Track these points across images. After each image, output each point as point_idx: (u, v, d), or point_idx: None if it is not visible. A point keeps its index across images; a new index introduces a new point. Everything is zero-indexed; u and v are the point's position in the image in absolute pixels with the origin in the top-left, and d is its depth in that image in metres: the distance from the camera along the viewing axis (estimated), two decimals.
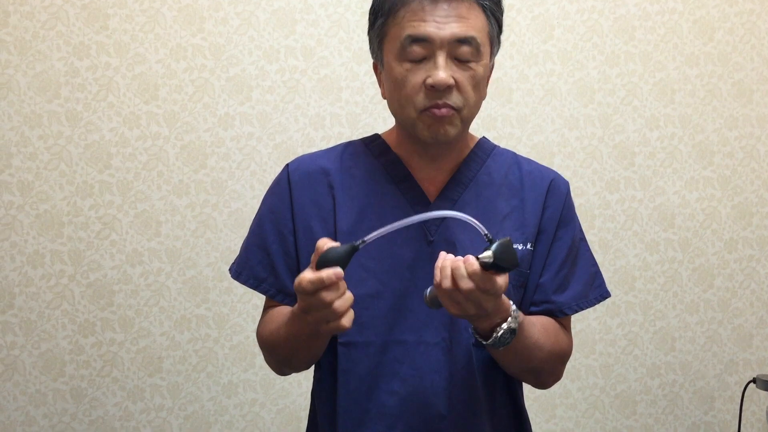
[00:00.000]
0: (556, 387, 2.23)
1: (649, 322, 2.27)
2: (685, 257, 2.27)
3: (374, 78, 2.10)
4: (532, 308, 1.24)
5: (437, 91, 1.10)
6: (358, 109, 2.10)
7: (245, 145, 2.06)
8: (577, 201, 2.21)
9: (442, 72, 1.09)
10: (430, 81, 1.10)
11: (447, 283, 1.00)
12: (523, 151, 2.16)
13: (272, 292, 1.22)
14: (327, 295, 0.97)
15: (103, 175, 2.00)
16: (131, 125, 2.01)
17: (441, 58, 1.10)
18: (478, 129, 2.10)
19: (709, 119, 2.26)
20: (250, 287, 1.23)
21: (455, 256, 1.15)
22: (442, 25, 1.09)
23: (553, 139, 2.20)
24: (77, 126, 1.99)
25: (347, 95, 2.10)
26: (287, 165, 1.25)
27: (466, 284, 0.99)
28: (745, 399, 2.11)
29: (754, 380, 2.01)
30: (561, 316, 1.25)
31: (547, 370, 1.22)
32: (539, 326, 1.19)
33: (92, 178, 2.00)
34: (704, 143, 2.27)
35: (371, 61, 2.08)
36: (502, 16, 1.17)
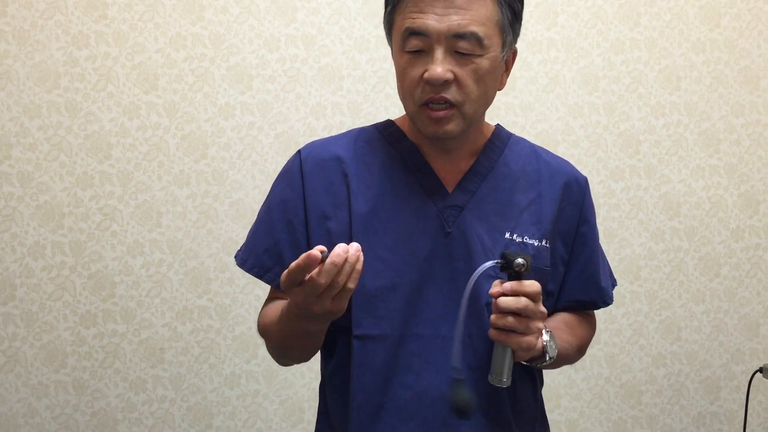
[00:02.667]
0: (560, 377, 2.22)
1: (654, 311, 2.25)
2: (691, 246, 2.25)
3: (376, 66, 2.09)
4: (558, 306, 1.24)
5: (433, 85, 1.07)
6: (360, 98, 2.08)
7: (246, 135, 2.05)
8: None
9: (439, 67, 1.06)
10: (426, 75, 1.07)
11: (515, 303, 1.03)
12: (527, 139, 2.14)
13: (277, 282, 1.18)
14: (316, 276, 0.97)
15: (104, 166, 1.99)
16: (131, 115, 1.99)
17: (438, 52, 1.06)
18: None
19: (715, 106, 2.24)
20: (255, 275, 1.21)
21: (471, 250, 1.14)
22: (441, 17, 1.05)
23: (558, 127, 2.17)
24: (77, 116, 1.97)
25: (349, 84, 2.08)
26: (299, 152, 1.21)
27: (519, 301, 1.02)
28: (751, 389, 2.09)
29: (760, 369, 1.99)
30: (587, 310, 1.26)
31: (575, 360, 1.26)
32: (563, 325, 1.21)
33: (92, 169, 1.99)
34: (710, 131, 2.24)
35: (373, 49, 2.08)
36: (519, 3, 1.12)
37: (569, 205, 1.22)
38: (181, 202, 2.03)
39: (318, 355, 1.25)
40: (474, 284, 1.13)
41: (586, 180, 1.26)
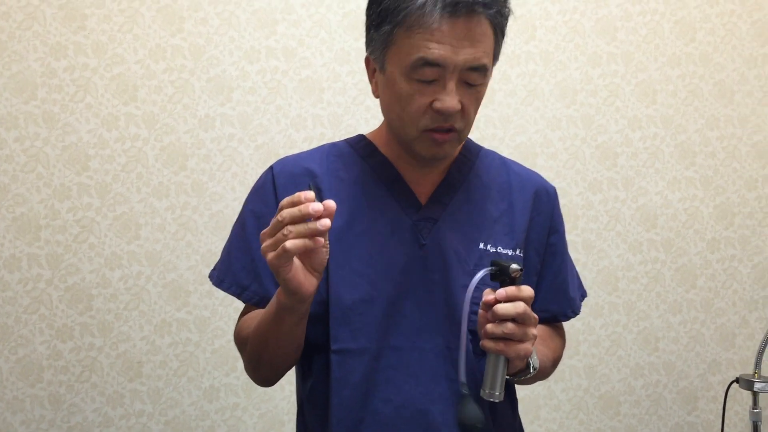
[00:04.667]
0: (540, 388, 2.22)
1: (632, 322, 2.27)
2: (668, 257, 2.28)
3: (356, 79, 2.10)
4: None
5: (444, 115, 1.07)
6: (341, 110, 2.09)
7: (226, 147, 2.04)
8: (560, 202, 2.20)
9: (452, 99, 1.06)
10: (438, 105, 1.06)
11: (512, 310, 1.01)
12: (505, 152, 2.15)
13: (256, 300, 1.18)
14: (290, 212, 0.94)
15: (81, 178, 1.97)
16: (110, 127, 1.98)
17: (451, 83, 1.06)
18: None
19: (690, 119, 2.27)
20: (233, 294, 1.19)
21: (446, 262, 1.14)
22: (458, 49, 1.04)
23: (536, 139, 2.19)
24: (54, 128, 1.96)
25: (329, 96, 2.08)
26: (271, 167, 1.21)
27: (517, 306, 1.01)
28: (728, 399, 2.11)
29: (737, 380, 2.01)
30: (557, 322, 1.27)
31: (550, 373, 1.27)
32: (539, 339, 1.21)
33: (70, 181, 1.97)
34: (686, 143, 2.27)
35: (353, 61, 2.09)
36: (506, 24, 1.13)
37: (539, 215, 1.24)
38: (160, 213, 2.01)
39: (294, 375, 1.24)
40: (452, 298, 1.14)
41: (554, 190, 1.28)
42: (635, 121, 2.24)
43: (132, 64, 1.98)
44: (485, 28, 1.07)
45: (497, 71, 2.15)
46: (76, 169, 1.97)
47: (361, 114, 2.09)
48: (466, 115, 1.10)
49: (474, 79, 1.08)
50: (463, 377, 1.04)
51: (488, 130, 2.16)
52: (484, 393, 1.04)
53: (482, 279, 1.04)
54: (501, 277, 1.02)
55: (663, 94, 2.25)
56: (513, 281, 1.02)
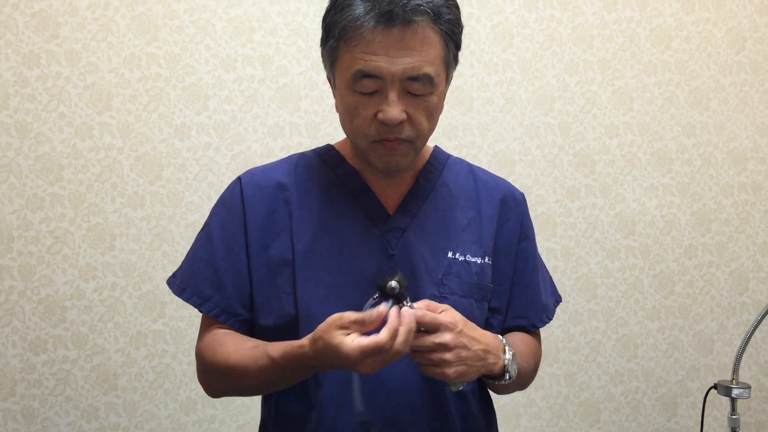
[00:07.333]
0: (520, 396, 2.22)
1: (611, 329, 2.27)
2: (646, 264, 2.28)
3: None
4: (506, 324, 1.25)
5: (388, 126, 1.07)
6: (318, 118, 2.08)
7: (202, 156, 2.02)
8: (539, 209, 2.21)
9: (394, 109, 1.05)
10: (381, 117, 1.06)
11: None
12: (484, 159, 2.15)
13: (216, 312, 1.17)
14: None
15: (55, 188, 1.94)
16: (83, 136, 1.95)
17: (393, 94, 1.05)
18: (439, 138, 2.09)
19: (667, 127, 2.28)
20: (193, 305, 1.18)
21: (415, 271, 1.14)
22: (395, 59, 1.03)
23: (514, 147, 2.19)
24: (27, 137, 1.93)
25: (307, 104, 2.07)
26: (239, 178, 1.21)
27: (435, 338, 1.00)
28: (706, 405, 2.12)
29: (715, 386, 2.02)
30: (534, 330, 1.26)
31: (530, 380, 1.26)
32: (521, 344, 1.21)
33: (43, 191, 1.94)
34: (663, 150, 2.28)
35: None
36: (461, 34, 1.12)
37: (508, 221, 1.24)
38: (135, 224, 1.99)
39: None
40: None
41: (523, 196, 1.28)
42: (612, 128, 2.25)
43: (106, 73, 1.96)
44: (427, 36, 1.05)
45: (475, 79, 2.16)
46: (50, 179, 1.94)
47: (339, 122, 2.08)
48: (416, 124, 1.09)
49: (417, 89, 1.06)
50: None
51: (466, 138, 2.16)
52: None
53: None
54: (383, 295, 0.99)
55: (639, 101, 2.26)
56: (398, 299, 0.99)
